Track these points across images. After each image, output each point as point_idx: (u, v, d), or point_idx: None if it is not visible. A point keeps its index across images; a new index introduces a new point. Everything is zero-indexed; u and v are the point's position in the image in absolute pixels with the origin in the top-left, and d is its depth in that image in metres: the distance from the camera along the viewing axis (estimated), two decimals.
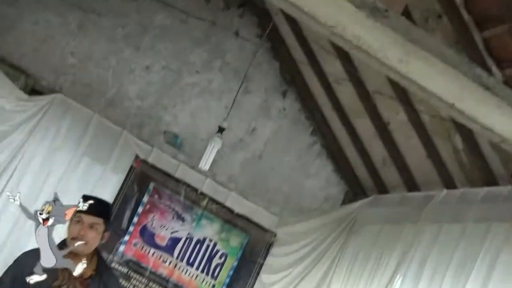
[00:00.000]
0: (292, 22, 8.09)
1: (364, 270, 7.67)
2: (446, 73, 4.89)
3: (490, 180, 6.91)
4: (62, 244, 4.43)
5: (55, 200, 3.89)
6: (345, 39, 4.67)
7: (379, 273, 7.37)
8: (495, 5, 5.94)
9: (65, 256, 3.94)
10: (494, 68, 6.27)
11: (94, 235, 4.57)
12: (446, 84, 4.90)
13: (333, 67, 8.06)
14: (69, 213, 3.83)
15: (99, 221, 4.60)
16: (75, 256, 4.26)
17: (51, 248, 3.84)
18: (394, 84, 6.76)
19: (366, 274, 7.59)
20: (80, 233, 4.49)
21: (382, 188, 8.54)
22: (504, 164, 6.49)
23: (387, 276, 7.24)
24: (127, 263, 8.25)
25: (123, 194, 8.27)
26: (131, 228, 8.36)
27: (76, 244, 4.21)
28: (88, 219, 4.54)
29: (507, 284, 5.88)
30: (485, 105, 5.03)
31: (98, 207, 4.59)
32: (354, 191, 9.07)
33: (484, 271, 6.08)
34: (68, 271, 4.24)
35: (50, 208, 3.84)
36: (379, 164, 8.43)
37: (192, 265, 8.50)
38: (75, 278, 4.40)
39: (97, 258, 4.76)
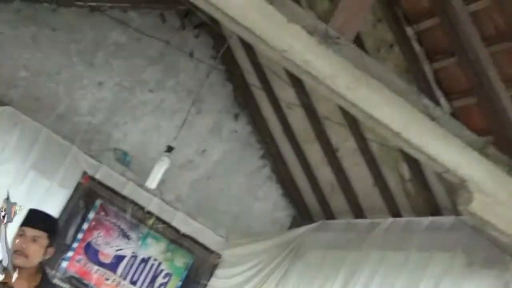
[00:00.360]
0: (247, 46, 8.10)
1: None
2: (393, 102, 4.93)
3: (434, 210, 6.98)
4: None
5: (7, 198, 3.88)
6: (295, 63, 4.68)
7: None
8: (446, 38, 6.02)
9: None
10: (442, 100, 6.35)
11: (36, 248, 4.44)
12: (393, 113, 4.93)
13: (286, 93, 8.10)
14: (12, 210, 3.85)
15: (42, 234, 4.48)
16: (20, 270, 4.20)
17: (6, 247, 3.91)
18: (344, 111, 6.79)
19: None
20: (22, 246, 4.38)
21: (329, 214, 8.57)
22: (448, 194, 6.55)
23: None
24: (70, 279, 8.13)
25: (69, 209, 8.15)
26: (75, 244, 8.25)
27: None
28: (31, 232, 4.44)
29: None
30: (431, 136, 5.08)
31: (42, 221, 4.59)
32: (302, 215, 9.08)
33: None
34: (8, 286, 4.20)
35: (5, 206, 3.84)
36: (327, 190, 8.46)
37: (135, 283, 8.41)
38: None
39: (41, 274, 4.61)
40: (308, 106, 7.83)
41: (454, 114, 6.03)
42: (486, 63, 5.74)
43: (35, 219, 4.60)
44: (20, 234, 4.45)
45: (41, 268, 4.63)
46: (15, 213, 4.01)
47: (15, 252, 4.31)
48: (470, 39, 5.73)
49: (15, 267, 4.19)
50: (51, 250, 4.59)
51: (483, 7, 5.56)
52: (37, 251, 4.46)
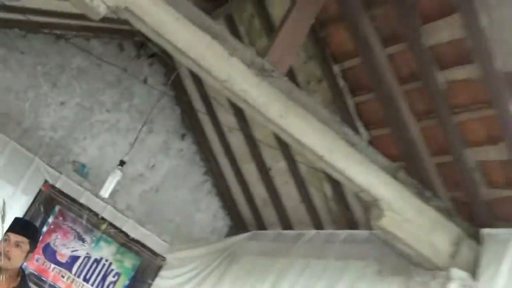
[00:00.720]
0: (194, 75, 8.10)
1: None
2: (318, 130, 4.97)
3: (352, 224, 7.04)
4: None
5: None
6: (234, 93, 4.69)
7: None
8: (366, 76, 6.09)
9: None
10: (361, 129, 6.41)
11: (18, 253, 4.42)
12: (318, 139, 4.97)
13: (227, 118, 8.11)
14: None
15: (24, 240, 4.46)
16: (2, 272, 4.32)
17: None
18: (277, 136, 6.83)
19: None
20: (6, 249, 4.36)
21: (261, 225, 8.58)
22: (364, 211, 6.61)
23: None
24: (28, 276, 7.92)
25: (30, 214, 8.02)
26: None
27: None
28: (14, 237, 4.43)
29: None
30: (350, 160, 5.13)
31: (25, 229, 4.59)
32: (237, 226, 9.07)
33: None
34: None
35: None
36: (260, 204, 8.48)
37: (88, 281, 8.30)
38: None
39: (20, 277, 4.57)
40: (246, 130, 7.84)
41: (372, 142, 6.10)
42: (399, 99, 5.82)
43: (19, 226, 4.61)
44: (5, 239, 4.42)
45: (21, 271, 4.59)
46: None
47: None
48: (387, 77, 5.81)
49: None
50: (30, 255, 4.57)
51: (399, 51, 5.65)
52: (19, 255, 4.44)
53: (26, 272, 7.69)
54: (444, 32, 5.21)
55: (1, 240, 4.35)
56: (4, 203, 4.34)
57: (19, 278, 4.52)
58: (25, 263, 4.66)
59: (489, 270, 5.34)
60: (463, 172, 5.70)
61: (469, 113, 5.44)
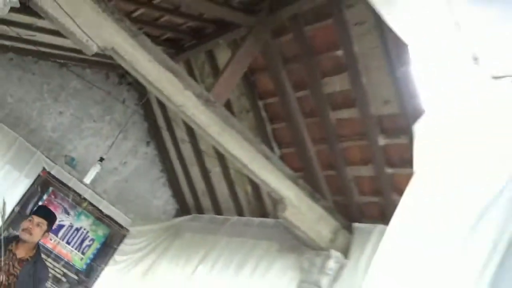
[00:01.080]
0: (159, 100, 7.94)
1: (180, 261, 7.54)
2: (245, 146, 4.96)
3: (264, 214, 7.02)
4: (15, 236, 4.48)
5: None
6: (186, 115, 4.64)
7: (189, 263, 7.27)
8: (281, 110, 6.10)
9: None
10: (275, 148, 6.41)
11: (38, 231, 4.36)
12: (244, 152, 4.95)
13: (181, 133, 8.01)
14: None
15: (44, 222, 4.40)
16: (23, 243, 4.29)
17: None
18: (215, 148, 6.78)
19: (182, 263, 7.45)
20: (29, 227, 4.32)
21: (199, 210, 8.48)
22: (273, 205, 6.60)
23: (193, 265, 7.15)
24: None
25: (30, 192, 7.68)
26: (31, 217, 7.77)
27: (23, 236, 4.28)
28: (37, 219, 4.37)
29: (266, 279, 5.94)
30: (265, 169, 5.12)
31: (46, 213, 4.57)
32: (182, 210, 8.92)
33: (252, 266, 6.16)
34: (12, 252, 4.25)
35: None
36: (200, 195, 8.38)
37: (69, 243, 7.99)
38: (16, 258, 4.28)
39: (37, 249, 4.47)
40: (194, 143, 7.77)
41: (281, 157, 6.11)
42: (302, 129, 5.86)
43: (41, 211, 4.63)
44: (29, 220, 4.38)
45: (38, 246, 4.49)
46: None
47: (24, 230, 4.30)
48: (295, 113, 5.84)
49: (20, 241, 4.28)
50: (47, 234, 4.53)
51: (304, 95, 5.69)
52: (38, 233, 4.36)
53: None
54: (336, 84, 5.27)
55: (1, 248, 4.21)
56: (4, 203, 4.26)
57: (34, 250, 4.42)
58: (41, 240, 4.56)
59: (356, 252, 5.40)
60: (343, 183, 5.77)
61: (350, 142, 5.52)
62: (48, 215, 4.54)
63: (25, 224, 4.35)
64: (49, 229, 4.49)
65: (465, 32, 2.69)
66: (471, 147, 2.80)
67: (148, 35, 4.62)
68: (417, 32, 2.70)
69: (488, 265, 2.26)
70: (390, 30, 2.79)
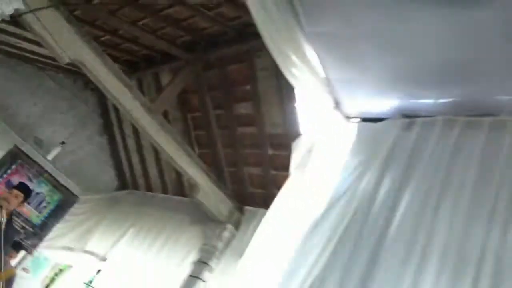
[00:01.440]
0: (114, 104, 7.55)
1: (112, 227, 7.05)
2: (174, 145, 4.85)
3: (183, 193, 6.85)
4: None
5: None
6: (133, 118, 4.47)
7: (118, 231, 6.79)
8: (203, 122, 6.00)
9: None
10: (196, 148, 6.29)
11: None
12: (173, 150, 4.86)
13: (129, 130, 7.67)
14: None
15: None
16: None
17: None
18: (152, 144, 6.55)
19: (112, 230, 6.97)
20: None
21: (135, 187, 8.08)
22: (190, 188, 6.36)
23: (122, 231, 6.77)
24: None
25: (2, 162, 7.01)
26: (1, 180, 7.06)
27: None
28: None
29: (176, 245, 5.74)
30: (187, 162, 5.04)
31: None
32: (122, 185, 8.45)
33: (166, 237, 5.94)
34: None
35: None
36: (138, 175, 8.00)
37: (30, 204, 7.34)
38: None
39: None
40: (137, 138, 7.48)
41: (199, 155, 6.01)
42: (217, 137, 5.84)
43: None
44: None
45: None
46: None
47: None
48: (212, 125, 5.81)
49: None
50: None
51: (221, 113, 5.66)
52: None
53: None
54: (243, 109, 5.32)
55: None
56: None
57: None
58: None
59: (244, 226, 5.45)
60: (241, 177, 5.81)
61: (249, 149, 5.58)
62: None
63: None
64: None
65: (331, 85, 2.86)
66: (326, 160, 2.97)
67: (110, 55, 4.41)
68: (300, 82, 2.85)
69: (327, 247, 2.38)
70: (284, 77, 2.89)
